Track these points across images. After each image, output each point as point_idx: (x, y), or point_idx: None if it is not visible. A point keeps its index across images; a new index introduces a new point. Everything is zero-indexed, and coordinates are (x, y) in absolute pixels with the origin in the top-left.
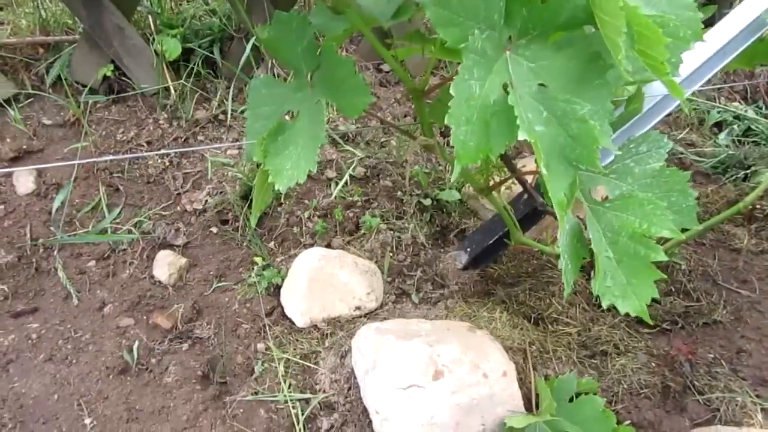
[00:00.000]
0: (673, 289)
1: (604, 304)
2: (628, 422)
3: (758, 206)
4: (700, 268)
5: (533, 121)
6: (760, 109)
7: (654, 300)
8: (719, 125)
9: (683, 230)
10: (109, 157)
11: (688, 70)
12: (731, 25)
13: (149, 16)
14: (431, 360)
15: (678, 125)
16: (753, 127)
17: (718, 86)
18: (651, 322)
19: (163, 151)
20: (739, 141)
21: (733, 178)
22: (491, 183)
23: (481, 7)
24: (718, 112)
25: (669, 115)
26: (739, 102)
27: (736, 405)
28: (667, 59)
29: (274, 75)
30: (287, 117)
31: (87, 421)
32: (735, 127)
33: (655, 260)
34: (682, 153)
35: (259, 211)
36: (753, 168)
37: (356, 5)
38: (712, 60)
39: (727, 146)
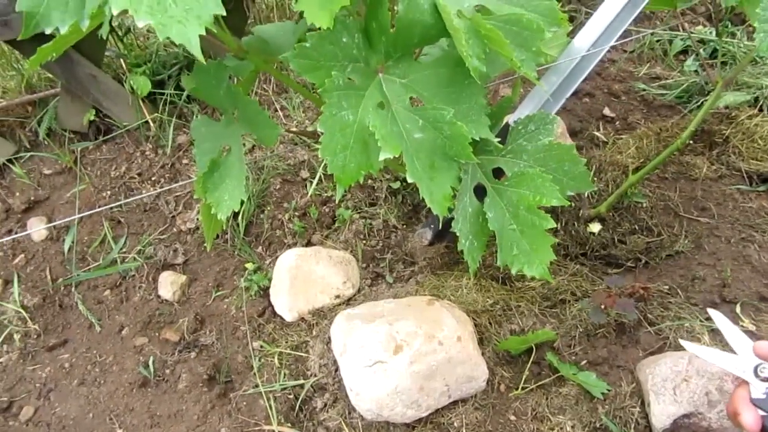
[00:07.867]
0: (636, 228)
1: (514, 271)
2: (584, 362)
3: (717, 130)
4: (662, 203)
5: (411, 130)
6: (726, 27)
7: (620, 241)
8: (686, 53)
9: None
10: (103, 207)
11: (602, 27)
12: None
13: (120, 59)
14: (391, 337)
15: (641, 60)
16: (719, 47)
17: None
18: (553, 282)
19: (156, 191)
20: (708, 65)
21: (696, 106)
22: None
23: (337, 50)
24: (682, 40)
25: (628, 52)
26: (703, 25)
27: (685, 331)
28: (531, 49)
29: None
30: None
31: (119, 431)
32: (701, 51)
33: (548, 228)
34: (644, 89)
35: (212, 239)
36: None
37: (259, 45)
38: (626, 9)
39: (695, 72)
